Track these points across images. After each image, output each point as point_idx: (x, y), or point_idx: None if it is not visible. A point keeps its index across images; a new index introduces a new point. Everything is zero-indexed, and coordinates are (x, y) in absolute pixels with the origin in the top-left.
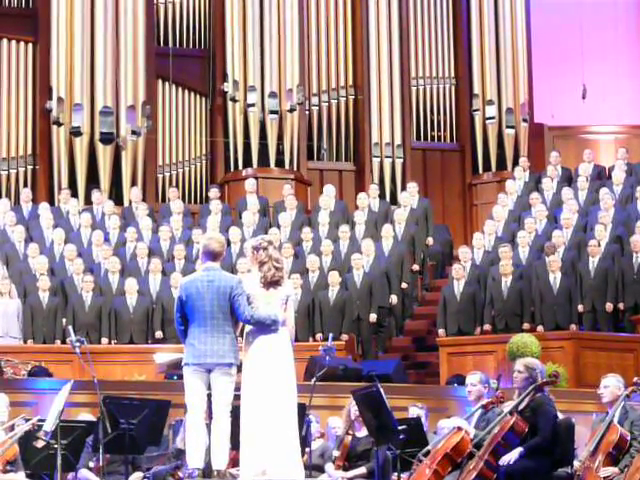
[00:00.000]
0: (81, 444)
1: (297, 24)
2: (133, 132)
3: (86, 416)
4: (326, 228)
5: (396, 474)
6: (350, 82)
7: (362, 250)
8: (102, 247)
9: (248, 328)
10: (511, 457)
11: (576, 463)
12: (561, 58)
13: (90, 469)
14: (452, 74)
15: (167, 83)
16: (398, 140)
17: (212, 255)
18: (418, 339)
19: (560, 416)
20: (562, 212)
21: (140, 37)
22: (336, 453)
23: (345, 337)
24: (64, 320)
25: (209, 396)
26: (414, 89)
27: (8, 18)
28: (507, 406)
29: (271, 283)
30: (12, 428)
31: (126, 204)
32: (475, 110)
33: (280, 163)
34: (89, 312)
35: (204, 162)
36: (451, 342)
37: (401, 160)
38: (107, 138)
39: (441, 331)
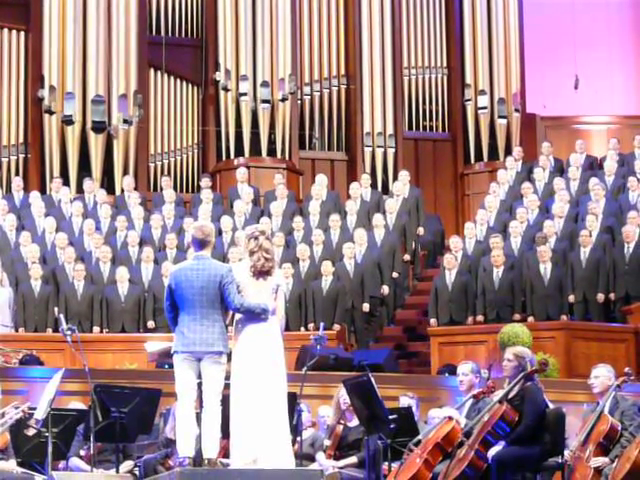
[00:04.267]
0: (72, 432)
1: (289, 13)
2: (125, 121)
3: (77, 404)
4: (317, 217)
5: (387, 463)
6: (342, 72)
7: (354, 239)
8: (93, 236)
9: (238, 317)
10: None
11: (567, 453)
12: (553, 48)
13: (81, 457)
14: (444, 64)
15: (159, 72)
16: (390, 130)
17: (198, 244)
18: (409, 329)
19: (551, 406)
20: (554, 202)
21: (132, 26)
22: (327, 442)
23: (337, 327)
24: (56, 309)
25: (199, 385)
26: (406, 79)
27: (0, 6)
28: (497, 395)
29: (261, 273)
30: (3, 416)
31: (118, 193)
32: (467, 100)
33: (272, 152)
34: (81, 301)
35: (196, 151)
36: (442, 332)
37: (393, 150)
38: (99, 127)
39: (432, 321)
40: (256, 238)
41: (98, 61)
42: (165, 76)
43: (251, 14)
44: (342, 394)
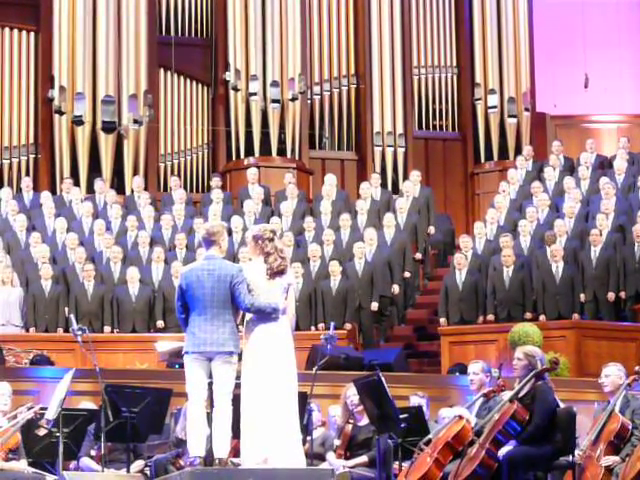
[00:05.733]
0: (83, 432)
1: (299, 13)
2: (135, 121)
3: (88, 404)
4: (328, 217)
5: (397, 463)
6: (352, 71)
7: (365, 239)
8: (104, 236)
9: (249, 317)
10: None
11: (577, 452)
12: (563, 47)
13: (92, 457)
14: (454, 63)
15: (169, 72)
16: (400, 129)
17: (206, 243)
18: (420, 328)
19: (562, 405)
20: (565, 201)
21: (142, 26)
22: (337, 442)
23: (348, 326)
24: (66, 309)
25: (210, 385)
26: (416, 78)
27: (10, 7)
28: (508, 394)
29: (276, 273)
30: (15, 417)
31: (128, 193)
32: (477, 99)
33: (282, 152)
34: (91, 301)
35: (206, 151)
36: (453, 331)
37: (403, 149)
38: (109, 127)
39: (443, 320)
40: (271, 240)
41: (108, 61)
42: (175, 76)
43: (261, 14)
44: (349, 394)
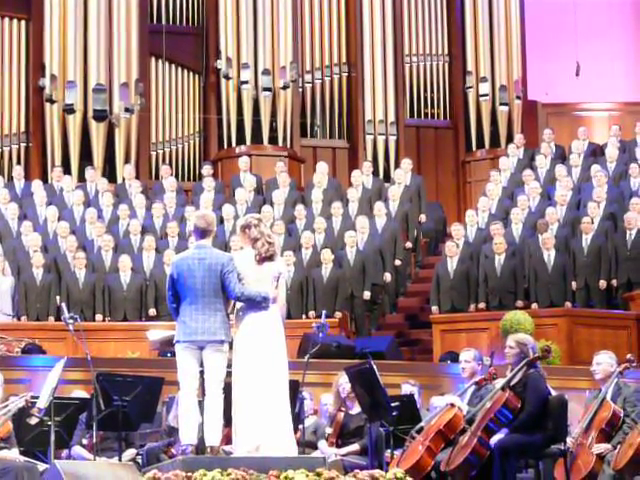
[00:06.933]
0: (74, 421)
1: (290, 1)
2: (126, 109)
3: (79, 393)
4: (319, 205)
5: (389, 451)
6: (343, 59)
7: (356, 227)
8: (95, 224)
9: (239, 305)
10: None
11: (569, 440)
12: (555, 35)
13: (83, 446)
14: (446, 51)
15: (160, 60)
16: (391, 117)
17: (199, 233)
18: (411, 316)
19: (553, 393)
20: (556, 189)
21: (133, 14)
22: (329, 430)
23: (339, 314)
24: (57, 297)
25: (201, 373)
26: (407, 66)
27: None
28: (499, 382)
29: (265, 258)
30: (7, 406)
31: (119, 181)
32: (468, 87)
33: (273, 140)
34: (83, 289)
35: (197, 139)
36: (444, 319)
37: (394, 137)
38: (100, 115)
39: (434, 308)
40: (256, 225)
41: (99, 50)
42: (166, 64)
43: (252, 2)
44: (341, 382)
